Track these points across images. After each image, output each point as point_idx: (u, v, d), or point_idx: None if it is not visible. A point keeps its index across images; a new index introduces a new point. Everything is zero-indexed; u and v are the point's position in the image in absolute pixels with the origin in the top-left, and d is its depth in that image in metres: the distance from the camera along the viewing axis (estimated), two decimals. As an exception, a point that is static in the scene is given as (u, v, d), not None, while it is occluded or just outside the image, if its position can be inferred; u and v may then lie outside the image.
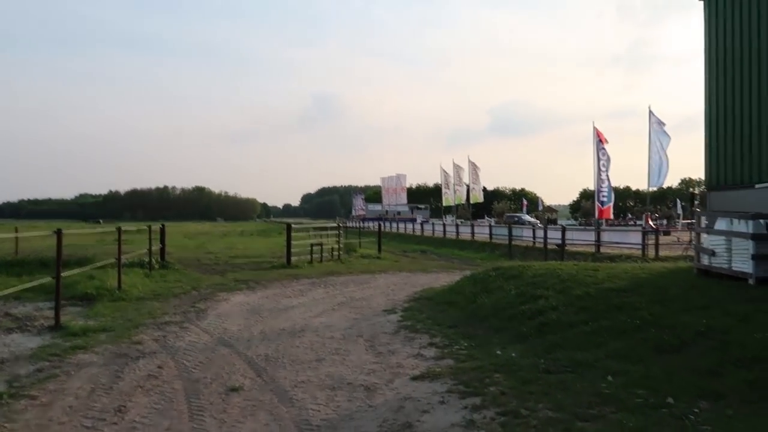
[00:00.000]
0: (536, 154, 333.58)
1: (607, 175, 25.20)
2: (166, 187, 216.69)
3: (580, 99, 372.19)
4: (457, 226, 41.90)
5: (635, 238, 23.48)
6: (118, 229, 12.79)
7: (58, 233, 9.19)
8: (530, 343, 6.78)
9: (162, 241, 18.82)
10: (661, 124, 22.42)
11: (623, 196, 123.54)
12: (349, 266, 19.90)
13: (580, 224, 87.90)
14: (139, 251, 17.46)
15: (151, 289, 12.99)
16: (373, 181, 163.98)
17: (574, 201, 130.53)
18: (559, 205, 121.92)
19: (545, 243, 23.96)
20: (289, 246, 19.64)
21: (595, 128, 25.50)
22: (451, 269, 19.58)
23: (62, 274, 9.23)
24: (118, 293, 11.75)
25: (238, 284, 14.14)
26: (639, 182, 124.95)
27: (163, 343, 7.60)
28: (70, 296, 11.57)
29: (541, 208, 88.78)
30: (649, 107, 22.79)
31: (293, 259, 19.83)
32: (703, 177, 14.62)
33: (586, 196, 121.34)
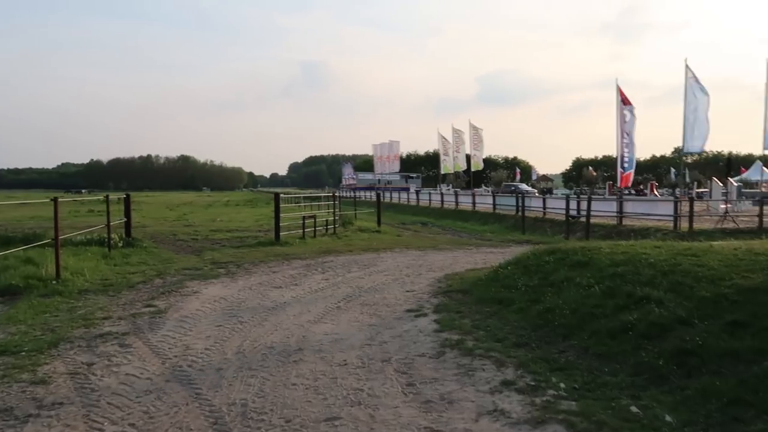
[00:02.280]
0: (525, 123, 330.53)
1: (632, 139, 22.53)
2: (149, 156, 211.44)
3: (569, 68, 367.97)
4: (456, 195, 39.23)
5: (665, 208, 20.98)
6: (54, 200, 9.94)
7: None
8: (679, 390, 4.15)
9: (127, 213, 15.95)
10: (698, 80, 19.70)
11: (615, 165, 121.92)
12: (348, 242, 17.22)
13: (575, 193, 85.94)
14: (99, 226, 14.65)
15: (103, 276, 10.23)
16: (361, 150, 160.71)
17: (566, 170, 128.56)
18: (552, 174, 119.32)
19: (567, 214, 21.34)
20: (277, 220, 16.88)
21: (618, 88, 22.75)
22: (464, 245, 16.97)
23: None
24: (54, 285, 8.97)
25: (216, 269, 11.41)
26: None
27: (83, 379, 4.89)
28: (-10, 289, 8.81)
29: (534, 177, 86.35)
30: (686, 61, 20.08)
31: (283, 234, 17.10)
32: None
33: (580, 164, 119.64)
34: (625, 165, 22.57)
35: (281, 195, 17.32)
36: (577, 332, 5.61)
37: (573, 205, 23.34)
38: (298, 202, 21.66)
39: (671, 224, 20.01)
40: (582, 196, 27.84)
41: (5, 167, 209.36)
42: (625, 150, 22.52)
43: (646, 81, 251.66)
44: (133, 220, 29.82)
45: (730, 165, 29.31)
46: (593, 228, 21.17)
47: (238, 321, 6.99)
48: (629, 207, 22.48)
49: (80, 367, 5.17)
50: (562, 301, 6.46)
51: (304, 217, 18.03)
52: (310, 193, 38.88)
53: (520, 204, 29.74)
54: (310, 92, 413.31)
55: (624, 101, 21.98)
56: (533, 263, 8.13)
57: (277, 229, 16.77)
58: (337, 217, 20.41)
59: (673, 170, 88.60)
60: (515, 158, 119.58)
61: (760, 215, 20.92)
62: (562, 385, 4.44)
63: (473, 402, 4.26)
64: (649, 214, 21.24)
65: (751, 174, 45.69)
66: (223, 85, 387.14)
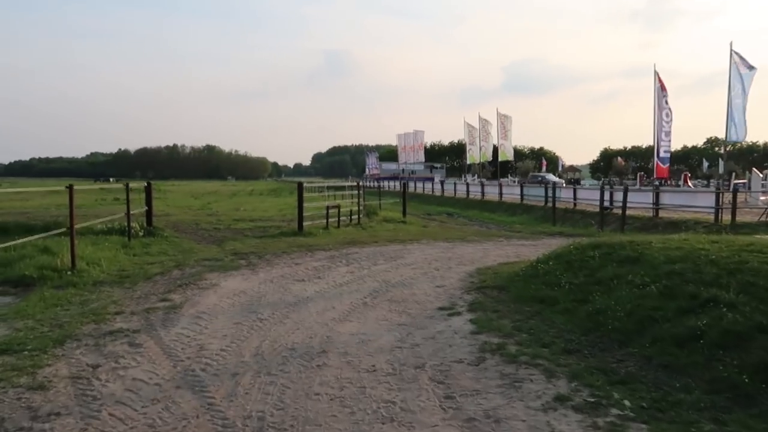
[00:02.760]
0: (551, 113, 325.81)
1: (671, 129, 21.50)
2: (175, 146, 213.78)
3: (597, 56, 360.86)
4: (482, 185, 38.39)
5: (705, 200, 19.98)
6: (69, 187, 9.55)
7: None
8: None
9: (148, 202, 15.62)
10: (745, 62, 18.63)
11: (645, 155, 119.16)
12: (373, 233, 16.69)
13: (606, 184, 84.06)
14: (120, 215, 14.34)
15: (120, 267, 9.85)
16: (384, 140, 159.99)
17: (594, 161, 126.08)
18: (579, 164, 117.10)
19: (601, 205, 20.45)
20: (300, 209, 16.40)
21: (656, 75, 21.71)
22: (494, 237, 16.30)
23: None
24: (68, 275, 8.60)
25: (237, 260, 10.96)
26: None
27: (86, 385, 4.43)
28: (3, 280, 8.48)
29: (561, 167, 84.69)
30: (731, 45, 18.97)
31: (306, 224, 16.64)
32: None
33: (608, 155, 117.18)
34: (663, 155, 21.56)
35: (305, 184, 16.78)
36: (636, 338, 4.98)
37: (606, 195, 22.41)
38: (321, 192, 21.15)
39: (712, 216, 19.07)
40: (616, 186, 26.82)
41: (37, 156, 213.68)
42: (664, 139, 21.50)
43: (676, 69, 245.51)
44: (157, 208, 29.77)
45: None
46: (628, 220, 20.29)
47: (257, 318, 6.49)
48: (666, 198, 21.50)
49: (84, 370, 4.72)
50: (614, 301, 5.81)
51: (327, 207, 17.54)
52: (334, 183, 38.42)
53: (549, 195, 28.93)
54: (333, 81, 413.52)
55: (662, 88, 20.96)
56: (576, 258, 7.46)
57: (300, 219, 16.31)
58: (361, 208, 19.90)
59: (705, 161, 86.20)
60: (541, 148, 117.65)
61: (808, 207, 19.83)
62: (626, 402, 3.83)
63: (524, 422, 3.67)
64: (687, 206, 20.28)
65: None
66: (247, 74, 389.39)
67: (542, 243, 14.96)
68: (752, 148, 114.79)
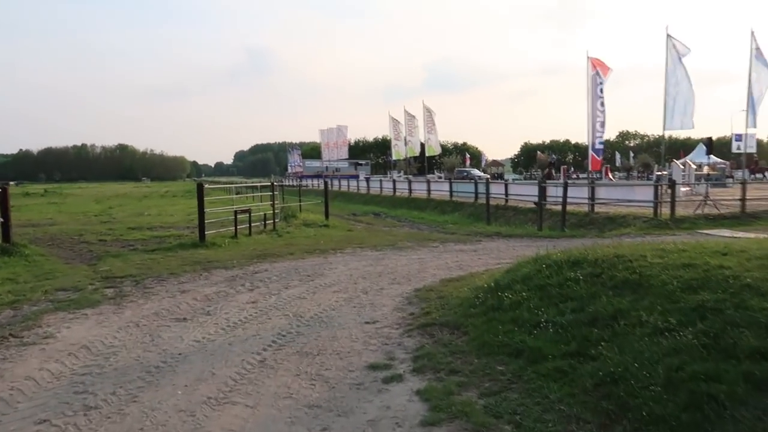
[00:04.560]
0: (473, 109, 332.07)
1: (605, 119, 20.40)
2: (84, 145, 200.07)
3: (515, 54, 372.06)
4: (409, 182, 36.68)
5: (643, 193, 18.98)
6: None
7: None
8: None
9: (4, 213, 12.49)
10: (679, 55, 17.66)
11: (563, 149, 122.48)
12: (290, 241, 14.35)
13: (525, 178, 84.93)
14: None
15: (-73, 307, 7.05)
16: (309, 137, 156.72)
17: (515, 155, 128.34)
18: (501, 159, 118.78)
19: (540, 201, 18.94)
20: (201, 217, 13.78)
21: (590, 59, 20.55)
22: (427, 241, 14.35)
23: None
24: None
25: (102, 289, 8.36)
26: (578, 136, 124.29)
27: None
28: None
29: (484, 162, 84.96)
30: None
31: (210, 233, 14.10)
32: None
33: (528, 149, 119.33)
34: (598, 147, 20.45)
35: (208, 185, 14.17)
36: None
37: (535, 191, 21.01)
38: (229, 192, 18.53)
39: (649, 210, 18.07)
40: (550, 181, 25.77)
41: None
42: (599, 129, 20.37)
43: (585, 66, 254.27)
44: (44, 216, 26.03)
45: (711, 146, 27.54)
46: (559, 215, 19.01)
47: (82, 407, 4.08)
48: (602, 192, 20.45)
49: None
50: (632, 358, 3.87)
51: (236, 212, 15.02)
52: (250, 183, 35.41)
53: (480, 191, 27.49)
54: (255, 78, 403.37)
55: (600, 72, 19.77)
56: (553, 282, 5.50)
57: (202, 228, 13.70)
58: (277, 211, 17.46)
59: (618, 155, 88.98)
60: (465, 144, 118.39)
61: (743, 199, 19.26)
62: None
63: None
64: (625, 200, 19.24)
65: (696, 156, 45.46)
66: (163, 70, 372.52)
67: (483, 247, 13.18)
68: (659, 141, 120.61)
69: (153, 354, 5.30)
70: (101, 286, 8.51)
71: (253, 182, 35.03)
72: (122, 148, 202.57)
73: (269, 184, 18.74)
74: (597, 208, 19.69)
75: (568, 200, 19.08)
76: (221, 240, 13.79)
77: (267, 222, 16.53)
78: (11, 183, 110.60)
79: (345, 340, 5.63)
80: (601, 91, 20.18)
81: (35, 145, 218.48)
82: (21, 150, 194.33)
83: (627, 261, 5.47)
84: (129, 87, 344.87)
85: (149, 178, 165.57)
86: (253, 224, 16.08)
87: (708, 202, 18.77)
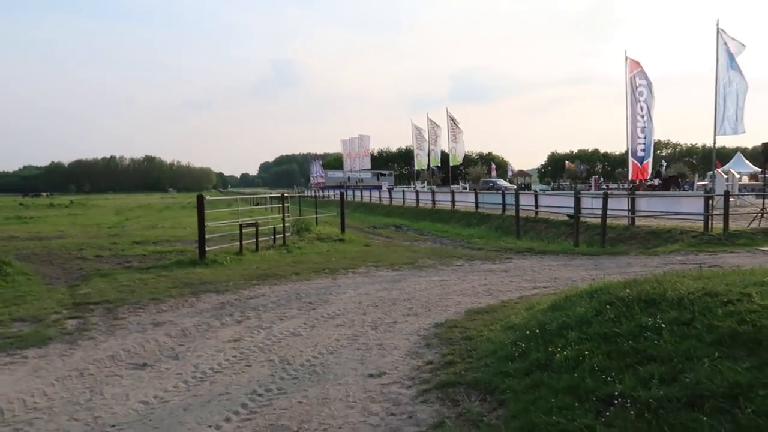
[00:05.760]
0: (498, 120, 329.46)
1: (649, 122, 18.70)
2: (113, 157, 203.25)
3: (541, 65, 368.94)
4: (433, 193, 35.17)
5: (692, 205, 17.17)
6: None
7: None
8: None
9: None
10: (737, 45, 15.94)
11: (592, 158, 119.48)
12: (299, 258, 12.99)
13: (552, 189, 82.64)
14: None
15: None
16: (333, 149, 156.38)
17: (541, 165, 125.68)
18: (527, 169, 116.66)
19: (576, 213, 17.27)
20: (202, 231, 12.52)
21: (628, 59, 18.92)
22: (452, 258, 12.86)
23: None
24: None
25: (65, 319, 7.07)
26: (607, 145, 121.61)
27: None
28: None
29: (510, 173, 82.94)
30: (717, 23, 16.27)
31: (214, 249, 12.90)
32: None
33: (555, 159, 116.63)
34: (641, 155, 18.72)
35: (205, 198, 12.90)
36: None
37: (571, 203, 19.34)
38: (236, 205, 17.31)
39: (697, 224, 16.29)
40: (583, 192, 24.00)
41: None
42: (639, 136, 18.67)
43: (616, 77, 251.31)
44: (57, 228, 25.21)
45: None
46: (599, 230, 17.33)
47: None
48: (643, 204, 18.69)
49: None
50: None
51: (241, 226, 13.74)
52: (260, 194, 34.22)
53: (508, 202, 25.86)
54: (280, 90, 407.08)
55: (640, 74, 18.11)
56: (623, 331, 4.00)
57: (202, 243, 12.44)
58: (287, 224, 16.16)
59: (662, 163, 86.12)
60: (490, 153, 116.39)
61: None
62: None
63: None
64: (668, 213, 17.48)
65: (734, 166, 43.02)
66: (191, 84, 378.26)
67: (514, 267, 11.65)
68: (692, 150, 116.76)
69: (78, 426, 3.93)
70: (65, 316, 7.22)
71: (264, 194, 33.89)
72: (150, 160, 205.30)
73: (281, 195, 17.41)
74: (637, 221, 18.01)
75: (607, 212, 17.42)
76: (224, 257, 12.52)
77: (276, 237, 15.25)
78: (43, 194, 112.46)
79: (339, 404, 4.20)
80: (641, 94, 18.49)
81: (66, 158, 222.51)
82: (53, 162, 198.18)
83: (725, 302, 3.95)
84: (159, 101, 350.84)
85: (176, 189, 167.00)
86: (262, 239, 14.84)
87: (766, 215, 16.94)
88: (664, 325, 3.87)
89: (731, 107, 16.02)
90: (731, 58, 15.66)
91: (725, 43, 16.04)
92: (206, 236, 12.85)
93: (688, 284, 4.46)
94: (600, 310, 4.46)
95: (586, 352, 3.90)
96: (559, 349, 4.09)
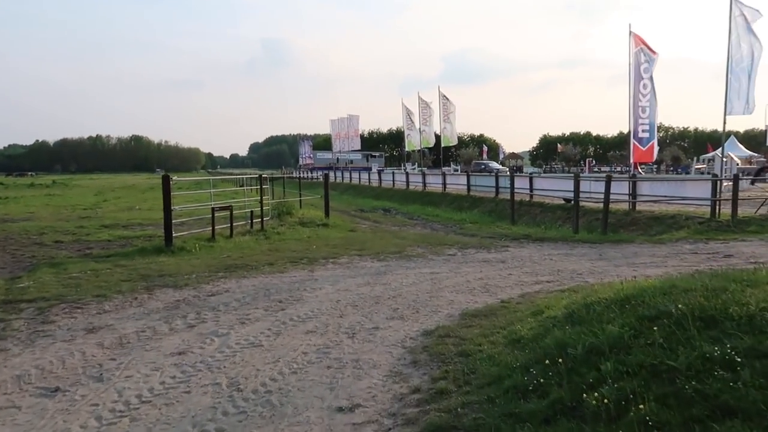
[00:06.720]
0: (489, 102, 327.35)
1: (653, 102, 17.61)
2: (99, 137, 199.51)
3: (534, 47, 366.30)
4: (423, 175, 34.01)
5: (698, 190, 16.17)
6: None
7: None
8: None
9: None
10: (755, 13, 14.84)
11: (584, 141, 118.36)
12: (276, 245, 11.87)
13: (544, 171, 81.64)
14: None
15: None
16: (324, 129, 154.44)
17: (533, 148, 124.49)
18: (519, 151, 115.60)
19: (576, 198, 16.18)
20: (168, 216, 11.32)
21: (632, 34, 17.74)
22: (443, 246, 11.76)
23: None
24: None
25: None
26: (600, 128, 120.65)
27: None
28: None
29: (502, 154, 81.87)
30: (731, 3, 15.12)
31: (182, 235, 11.77)
32: None
33: (547, 142, 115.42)
34: (643, 136, 17.65)
35: (168, 179, 11.67)
36: None
37: (569, 186, 18.26)
38: (239, 185, 16.12)
39: (703, 209, 15.30)
40: (583, 174, 23.00)
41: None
42: (641, 116, 17.58)
43: (610, 59, 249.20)
44: (28, 209, 23.85)
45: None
46: (598, 214, 16.33)
47: None
48: (645, 188, 17.67)
49: None
50: None
51: (213, 209, 12.57)
52: (235, 176, 32.80)
53: (501, 185, 24.78)
54: (271, 70, 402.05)
55: (647, 49, 16.96)
56: (680, 365, 2.92)
57: (168, 229, 11.26)
58: (266, 207, 14.99)
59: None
60: (481, 135, 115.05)
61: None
62: None
63: None
64: (672, 198, 16.47)
65: (727, 149, 42.15)
66: (179, 63, 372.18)
67: (512, 256, 10.58)
68: (684, 134, 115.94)
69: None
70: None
71: (254, 174, 32.59)
72: (137, 140, 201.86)
73: (258, 176, 16.22)
74: (638, 206, 17.01)
75: (601, 196, 16.37)
76: (193, 244, 11.38)
77: (253, 221, 14.09)
78: (29, 174, 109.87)
79: (293, 457, 3.11)
80: (645, 71, 17.36)
81: (52, 137, 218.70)
82: (37, 141, 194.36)
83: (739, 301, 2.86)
84: (144, 80, 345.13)
85: (163, 169, 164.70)
86: (239, 223, 13.70)
87: (772, 200, 15.96)
88: (738, 359, 2.80)
89: (744, 83, 14.95)
90: (748, 25, 14.51)
91: (742, 14, 14.89)
92: (175, 221, 11.70)
93: (755, 295, 3.38)
94: (639, 329, 3.39)
95: (632, 396, 2.82)
96: (591, 387, 3.01)
